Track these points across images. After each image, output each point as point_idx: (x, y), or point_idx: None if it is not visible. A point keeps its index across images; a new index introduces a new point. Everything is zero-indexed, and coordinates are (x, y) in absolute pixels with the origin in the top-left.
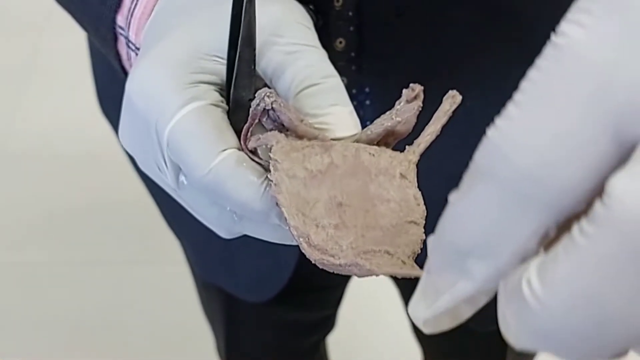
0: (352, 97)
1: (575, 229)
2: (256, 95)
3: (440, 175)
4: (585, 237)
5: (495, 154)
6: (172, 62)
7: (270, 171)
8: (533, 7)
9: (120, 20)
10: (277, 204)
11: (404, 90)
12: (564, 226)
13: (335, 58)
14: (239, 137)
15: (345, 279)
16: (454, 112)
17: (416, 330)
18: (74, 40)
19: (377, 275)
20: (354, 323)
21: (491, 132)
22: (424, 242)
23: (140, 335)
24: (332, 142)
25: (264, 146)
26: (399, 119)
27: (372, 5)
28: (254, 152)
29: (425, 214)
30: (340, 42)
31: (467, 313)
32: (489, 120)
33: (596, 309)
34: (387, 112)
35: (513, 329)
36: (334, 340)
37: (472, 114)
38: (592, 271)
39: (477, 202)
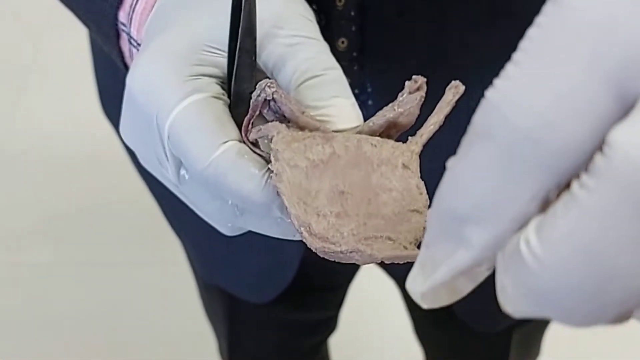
0: (355, 97)
1: (574, 184)
2: (257, 86)
3: (441, 175)
4: (585, 190)
5: (494, 115)
6: (173, 55)
7: (271, 162)
8: (534, 6)
9: (122, 16)
10: (278, 193)
11: (407, 82)
12: (564, 190)
13: (337, 58)
14: (240, 130)
15: (348, 279)
16: (456, 102)
17: (418, 332)
18: (74, 40)
19: (378, 261)
20: (356, 324)
21: (490, 93)
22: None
23: (141, 336)
24: (333, 133)
25: (265, 139)
26: (401, 109)
27: (374, 4)
28: (255, 144)
29: (428, 204)
30: (343, 42)
31: (466, 288)
32: None
33: (597, 266)
34: (390, 104)
35: (510, 294)
36: (335, 342)
37: (474, 113)
38: (593, 225)
39: (475, 165)
